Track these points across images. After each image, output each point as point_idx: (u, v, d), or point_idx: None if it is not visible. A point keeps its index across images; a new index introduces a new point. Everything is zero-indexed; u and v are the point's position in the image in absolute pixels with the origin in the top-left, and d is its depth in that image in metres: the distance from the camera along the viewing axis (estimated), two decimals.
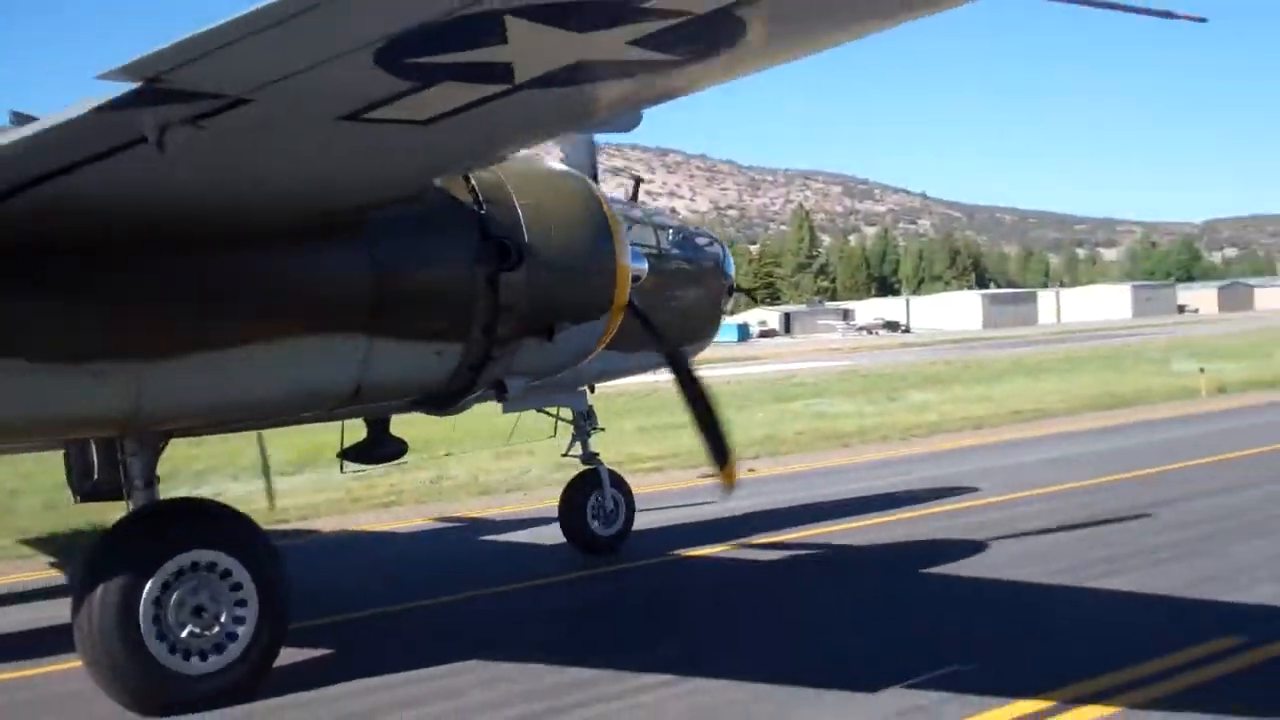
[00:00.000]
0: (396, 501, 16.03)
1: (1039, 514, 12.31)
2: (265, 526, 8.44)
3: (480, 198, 8.56)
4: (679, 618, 9.12)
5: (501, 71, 4.92)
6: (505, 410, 10.63)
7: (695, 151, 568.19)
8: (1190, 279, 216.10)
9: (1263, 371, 30.28)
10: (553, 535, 12.03)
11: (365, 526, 14.42)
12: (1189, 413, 22.99)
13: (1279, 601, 8.11)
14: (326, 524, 14.68)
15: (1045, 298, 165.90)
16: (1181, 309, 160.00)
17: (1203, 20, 5.68)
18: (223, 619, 7.27)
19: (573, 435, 11.86)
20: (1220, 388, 26.55)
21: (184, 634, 7.12)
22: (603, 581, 10.54)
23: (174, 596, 7.13)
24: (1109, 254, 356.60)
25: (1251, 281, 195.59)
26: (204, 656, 7.18)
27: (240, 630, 7.31)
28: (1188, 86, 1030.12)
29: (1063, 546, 10.61)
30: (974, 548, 10.77)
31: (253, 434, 11.12)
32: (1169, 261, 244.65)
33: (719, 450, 10.14)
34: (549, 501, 12.98)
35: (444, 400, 9.06)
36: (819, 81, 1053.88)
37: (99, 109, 4.79)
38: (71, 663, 7.33)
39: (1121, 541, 10.54)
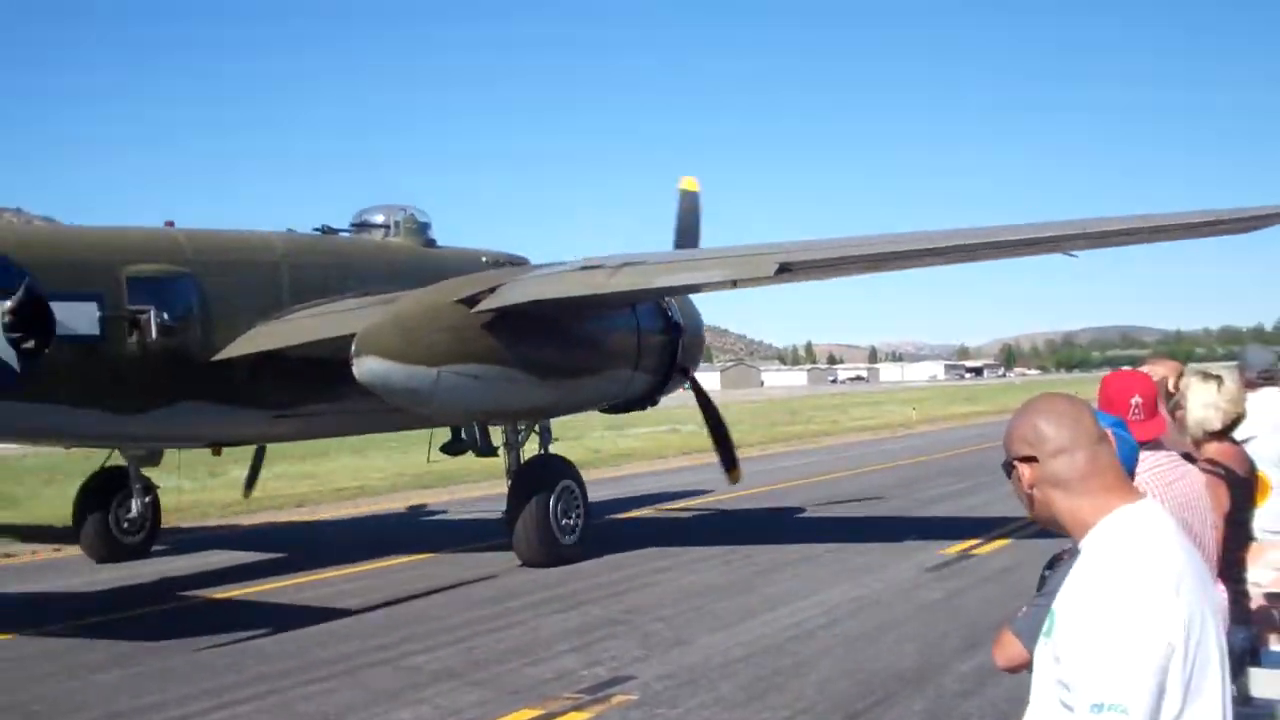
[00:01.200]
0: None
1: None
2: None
3: (664, 297, 15.70)
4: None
5: None
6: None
7: None
8: None
9: (575, 453, 33.00)
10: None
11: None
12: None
13: None
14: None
15: None
16: None
17: (1074, 256, 13.22)
18: (573, 516, 14.31)
19: (540, 440, 16.59)
20: None
21: (563, 523, 14.12)
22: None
23: (559, 505, 14.10)
24: None
25: None
26: (570, 534, 14.24)
27: (579, 523, 14.44)
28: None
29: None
30: (792, 507, 19.53)
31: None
32: None
33: (728, 454, 17.21)
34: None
35: (634, 407, 17.06)
36: None
37: (778, 270, 12.29)
38: None
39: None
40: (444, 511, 21.25)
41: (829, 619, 10.45)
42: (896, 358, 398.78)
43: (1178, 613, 2.39)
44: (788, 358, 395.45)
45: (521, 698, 8.17)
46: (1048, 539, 13.39)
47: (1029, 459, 2.68)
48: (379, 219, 15.84)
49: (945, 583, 11.98)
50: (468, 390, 13.10)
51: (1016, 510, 13.59)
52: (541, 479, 14.30)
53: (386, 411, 13.89)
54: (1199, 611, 2.44)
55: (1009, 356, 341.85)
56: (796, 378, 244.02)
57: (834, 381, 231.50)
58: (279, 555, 15.84)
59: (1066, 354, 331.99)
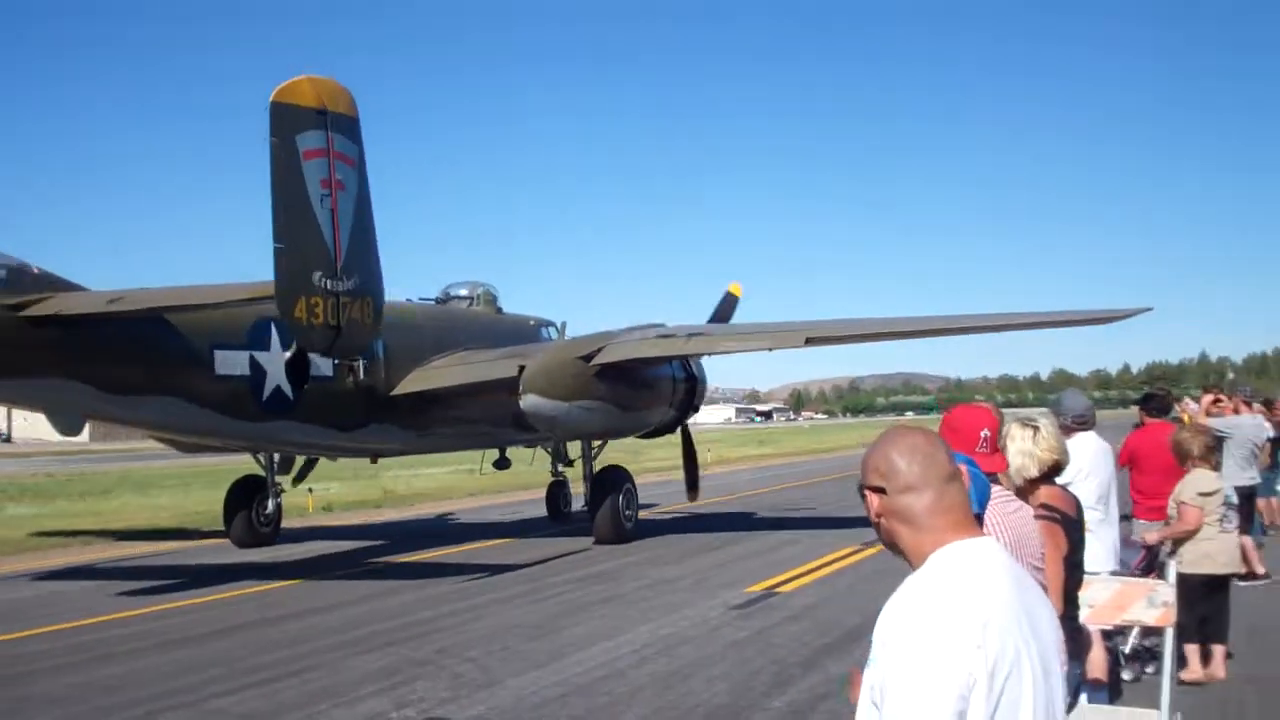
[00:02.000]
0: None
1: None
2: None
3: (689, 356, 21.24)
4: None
5: None
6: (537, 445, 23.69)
7: None
8: None
9: (369, 492, 32.45)
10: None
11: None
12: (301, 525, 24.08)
13: None
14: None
15: None
16: None
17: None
18: (632, 509, 20.29)
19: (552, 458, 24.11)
20: (327, 506, 27.97)
21: (626, 513, 19.80)
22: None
23: (623, 500, 19.75)
24: None
25: None
26: (629, 521, 20.16)
27: (634, 513, 20.57)
28: None
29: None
30: (743, 511, 25.19)
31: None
32: None
33: (693, 478, 22.33)
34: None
35: (661, 434, 22.44)
36: None
37: (806, 341, 19.27)
38: None
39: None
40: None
41: (640, 658, 10.52)
42: None
43: (985, 647, 2.44)
44: None
45: None
46: (848, 578, 13.78)
47: (879, 489, 2.73)
48: (464, 292, 22.29)
49: (751, 620, 12.19)
50: (581, 418, 18.91)
51: (814, 550, 14.23)
52: (613, 482, 20.08)
53: (481, 435, 21.14)
54: (1013, 650, 2.49)
55: (798, 401, 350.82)
56: None
57: None
58: (377, 542, 21.08)
59: (853, 399, 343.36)
